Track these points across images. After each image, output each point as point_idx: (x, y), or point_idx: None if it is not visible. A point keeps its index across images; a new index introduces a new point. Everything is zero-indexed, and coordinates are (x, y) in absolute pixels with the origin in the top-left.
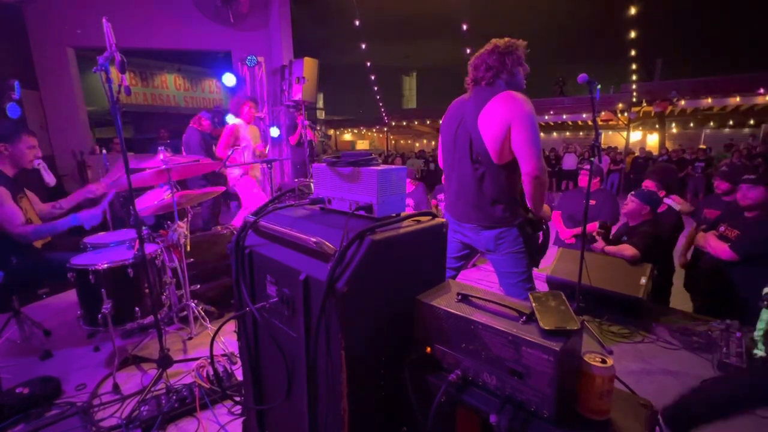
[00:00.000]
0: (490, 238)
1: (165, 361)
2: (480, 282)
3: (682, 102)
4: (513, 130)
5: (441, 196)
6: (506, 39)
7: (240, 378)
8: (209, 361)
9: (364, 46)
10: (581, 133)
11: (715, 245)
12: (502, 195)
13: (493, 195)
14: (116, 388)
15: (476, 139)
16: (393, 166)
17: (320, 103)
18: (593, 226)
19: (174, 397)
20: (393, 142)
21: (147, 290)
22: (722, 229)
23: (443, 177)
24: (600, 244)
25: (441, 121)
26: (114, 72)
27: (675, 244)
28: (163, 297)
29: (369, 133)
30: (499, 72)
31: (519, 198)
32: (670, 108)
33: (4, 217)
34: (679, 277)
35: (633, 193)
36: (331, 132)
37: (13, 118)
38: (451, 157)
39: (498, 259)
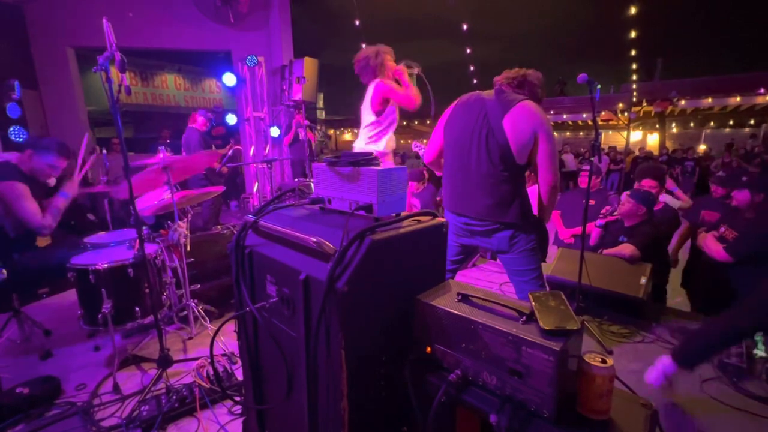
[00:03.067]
0: (504, 239)
1: (165, 361)
2: (480, 282)
3: (683, 102)
4: (539, 140)
5: None
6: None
7: (240, 378)
8: (209, 360)
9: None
10: (581, 133)
11: (712, 246)
12: (518, 194)
13: (510, 193)
14: (116, 387)
15: (501, 139)
16: (393, 166)
17: (320, 103)
18: (593, 226)
19: (174, 397)
20: None
21: (147, 290)
22: (722, 230)
23: (444, 172)
24: (599, 223)
25: (447, 114)
26: (114, 72)
27: (669, 242)
28: (163, 297)
29: None
30: (527, 89)
31: (528, 198)
32: (670, 108)
33: (25, 214)
34: (676, 277)
35: (628, 193)
36: (331, 132)
37: (13, 118)
38: (465, 152)
39: (511, 258)
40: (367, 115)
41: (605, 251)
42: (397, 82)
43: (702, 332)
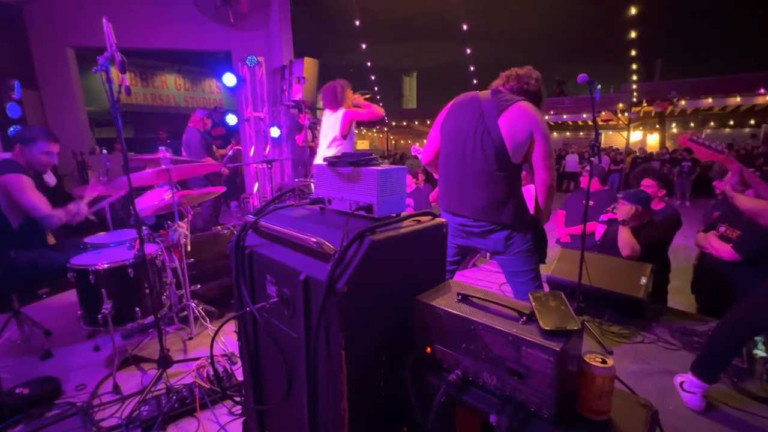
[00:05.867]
0: (500, 240)
1: (165, 361)
2: (480, 282)
3: (683, 102)
4: (535, 140)
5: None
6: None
7: (240, 378)
8: (209, 361)
9: (364, 46)
10: (581, 133)
11: (717, 246)
12: (513, 194)
13: (505, 193)
14: (116, 388)
15: (496, 139)
16: (393, 166)
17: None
18: (593, 226)
19: (174, 397)
20: (393, 142)
21: (147, 290)
22: (722, 229)
23: (440, 172)
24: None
25: (443, 114)
26: (114, 72)
27: (671, 243)
28: (164, 297)
29: (369, 133)
30: (524, 87)
31: (523, 198)
32: (670, 108)
33: (30, 204)
34: (678, 277)
35: (620, 195)
36: None
37: (14, 118)
38: (461, 152)
39: (508, 259)
40: (331, 137)
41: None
42: (356, 106)
43: (713, 342)
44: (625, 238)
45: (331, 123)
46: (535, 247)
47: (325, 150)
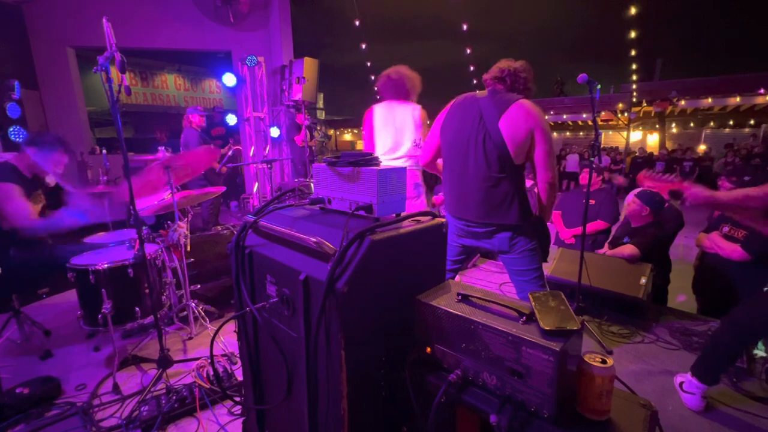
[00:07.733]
0: (505, 239)
1: (165, 361)
2: (480, 282)
3: (682, 102)
4: (536, 138)
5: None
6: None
7: (240, 378)
8: (209, 361)
9: (364, 46)
10: (581, 133)
11: (726, 246)
12: (517, 195)
13: (509, 195)
14: (116, 388)
15: (497, 140)
16: (393, 167)
17: (320, 103)
18: (592, 226)
19: (174, 397)
20: None
21: (147, 290)
22: (726, 229)
23: (443, 176)
24: (605, 248)
25: (442, 116)
26: (114, 72)
27: (672, 242)
28: (163, 297)
29: None
30: (520, 85)
31: (527, 198)
32: (670, 108)
33: (11, 212)
34: (678, 277)
35: (635, 193)
36: (331, 132)
37: (13, 118)
38: (463, 156)
39: (512, 258)
40: (406, 140)
41: (607, 252)
42: None
43: (715, 345)
44: (617, 250)
45: (400, 120)
46: (539, 246)
47: (398, 160)
